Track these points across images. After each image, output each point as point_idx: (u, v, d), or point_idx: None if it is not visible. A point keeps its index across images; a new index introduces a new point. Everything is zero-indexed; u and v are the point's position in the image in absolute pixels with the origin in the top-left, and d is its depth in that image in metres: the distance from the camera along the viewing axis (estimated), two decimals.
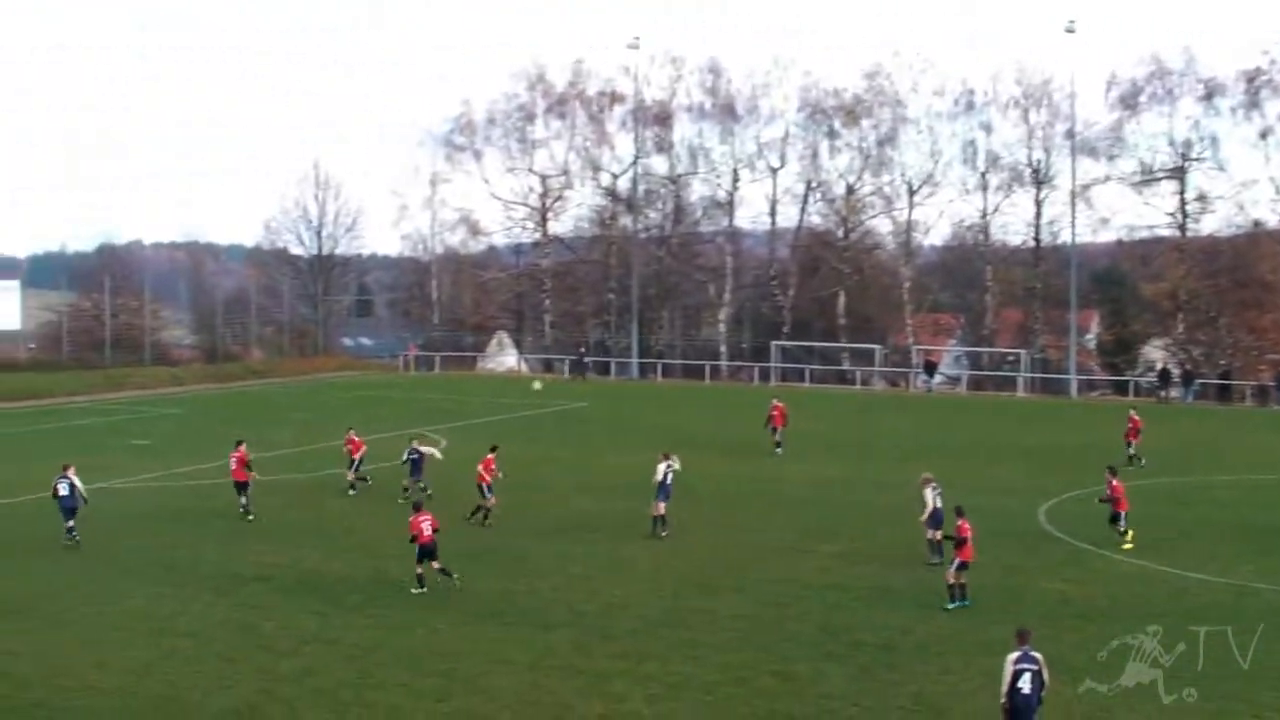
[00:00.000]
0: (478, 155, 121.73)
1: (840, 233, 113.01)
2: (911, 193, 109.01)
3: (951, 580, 31.53)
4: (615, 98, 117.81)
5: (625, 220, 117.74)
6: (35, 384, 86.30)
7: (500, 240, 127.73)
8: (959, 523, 31.86)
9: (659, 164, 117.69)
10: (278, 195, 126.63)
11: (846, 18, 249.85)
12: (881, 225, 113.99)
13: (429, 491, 44.38)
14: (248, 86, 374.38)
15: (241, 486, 43.34)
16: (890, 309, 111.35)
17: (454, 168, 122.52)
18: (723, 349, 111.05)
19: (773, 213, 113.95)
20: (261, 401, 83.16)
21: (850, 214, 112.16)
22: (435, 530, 33.01)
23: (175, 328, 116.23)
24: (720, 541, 39.81)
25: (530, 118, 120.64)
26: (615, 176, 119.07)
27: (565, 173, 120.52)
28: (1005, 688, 21.46)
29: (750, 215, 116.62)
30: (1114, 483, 39.43)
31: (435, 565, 32.77)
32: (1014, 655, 21.59)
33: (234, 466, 43.67)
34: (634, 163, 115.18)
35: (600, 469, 54.30)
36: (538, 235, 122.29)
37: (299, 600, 32.29)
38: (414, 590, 32.69)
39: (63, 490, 38.88)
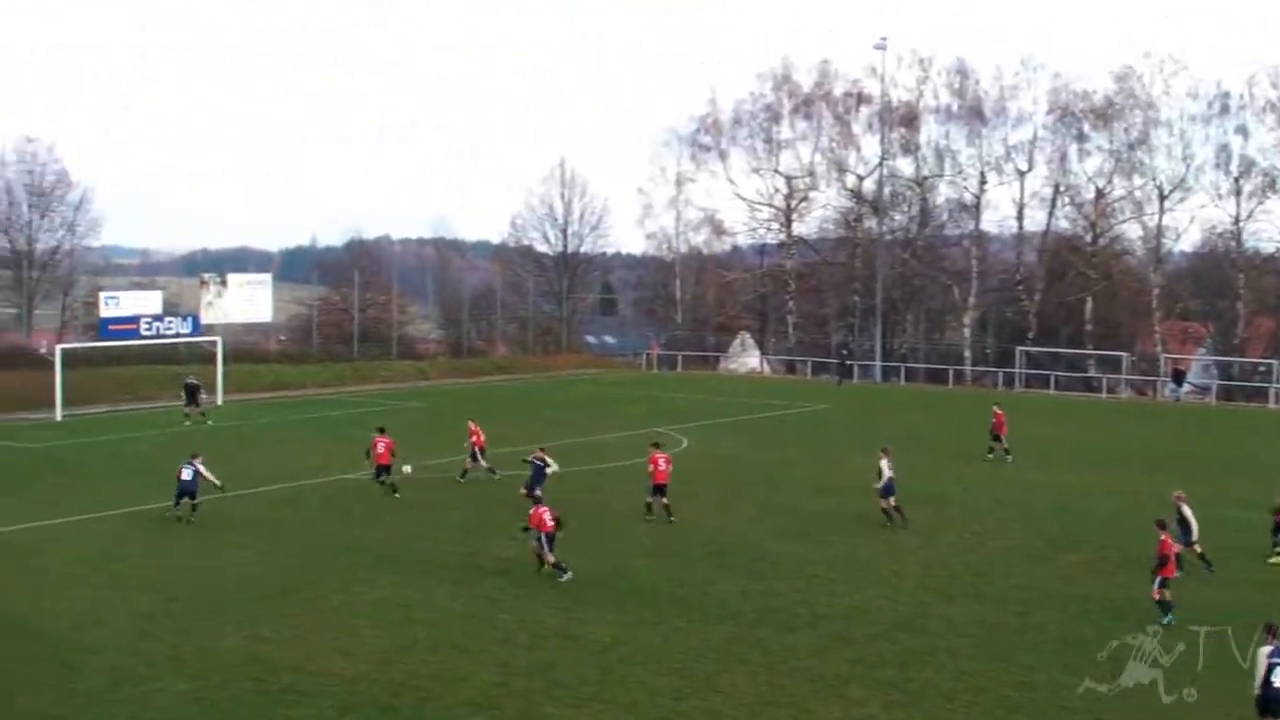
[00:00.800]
0: (723, 155, 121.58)
1: (1088, 238, 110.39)
2: (1162, 198, 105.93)
3: (1156, 597, 30.62)
4: (862, 99, 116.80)
5: (870, 222, 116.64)
6: (286, 376, 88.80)
7: (744, 240, 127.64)
8: (1161, 537, 31.06)
9: (905, 166, 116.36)
10: (524, 193, 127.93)
11: (1095, 18, 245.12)
12: (1131, 230, 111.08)
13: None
14: (496, 86, 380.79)
15: (384, 469, 46.74)
16: (1138, 316, 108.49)
17: (699, 168, 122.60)
18: (966, 354, 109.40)
19: (1020, 216, 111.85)
20: (505, 396, 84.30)
21: (1099, 219, 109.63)
22: (556, 521, 34.68)
23: (422, 322, 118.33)
24: (960, 546, 39.34)
25: (776, 118, 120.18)
26: (861, 178, 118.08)
27: (810, 174, 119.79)
28: (1258, 680, 21.50)
29: (997, 219, 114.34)
30: None
31: (549, 559, 34.37)
32: (1266, 649, 21.52)
33: (381, 450, 46.95)
34: (880, 164, 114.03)
35: (840, 470, 53.77)
36: (782, 236, 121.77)
37: (539, 595, 32.63)
38: (562, 578, 33.92)
39: (185, 475, 41.56)
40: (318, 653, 27.54)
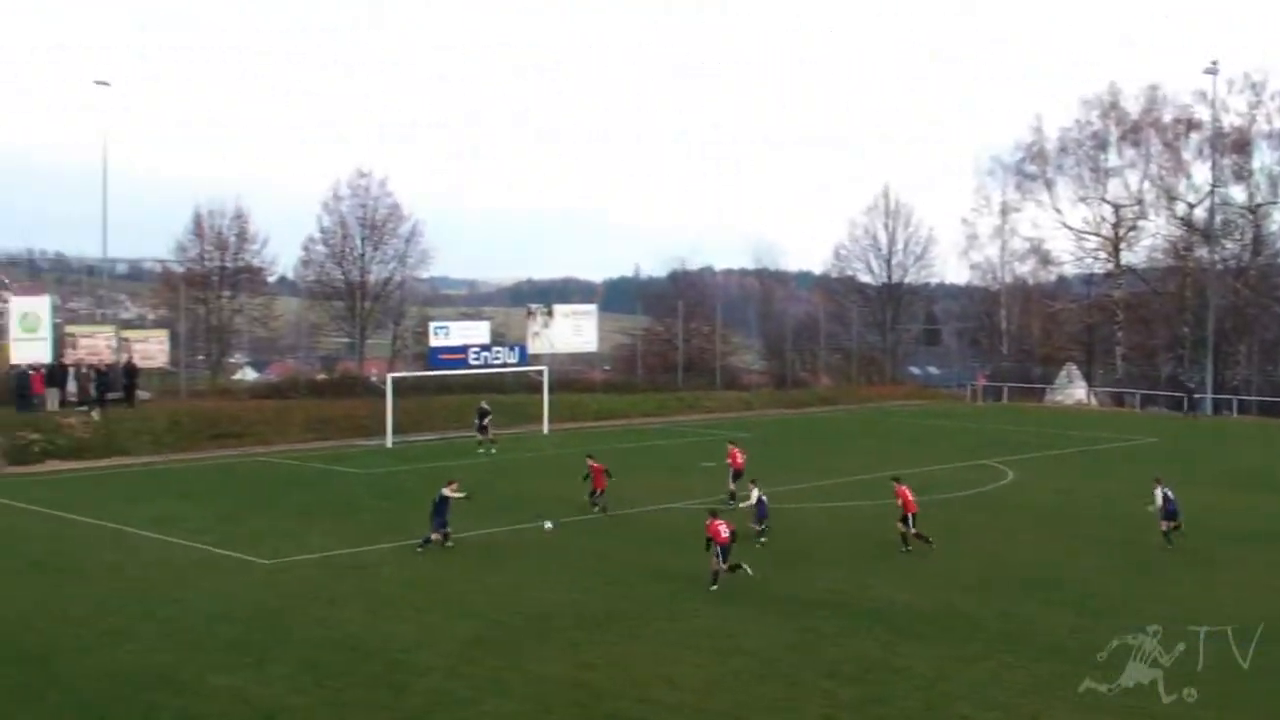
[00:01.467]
0: (1049, 184, 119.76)
1: None
2: None
3: None
4: (1191, 125, 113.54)
5: (1201, 251, 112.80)
6: (612, 405, 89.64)
7: (1071, 270, 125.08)
8: None
9: (1237, 193, 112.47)
10: (848, 223, 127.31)
11: None
12: None
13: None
14: (814, 111, 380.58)
15: (597, 493, 49.12)
16: None
17: (1024, 197, 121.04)
18: None
19: None
20: (829, 427, 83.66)
21: None
22: (732, 534, 36.35)
23: (745, 353, 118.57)
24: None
25: (1103, 146, 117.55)
26: (1191, 206, 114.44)
27: (1139, 202, 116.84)
28: None
29: None
30: None
31: (724, 566, 35.78)
32: None
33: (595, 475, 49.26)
34: (1211, 192, 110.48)
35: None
36: (1110, 265, 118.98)
37: (865, 627, 32.00)
38: (711, 588, 35.20)
39: (445, 493, 42.47)
40: (642, 679, 27.33)
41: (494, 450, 68.20)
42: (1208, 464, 66.80)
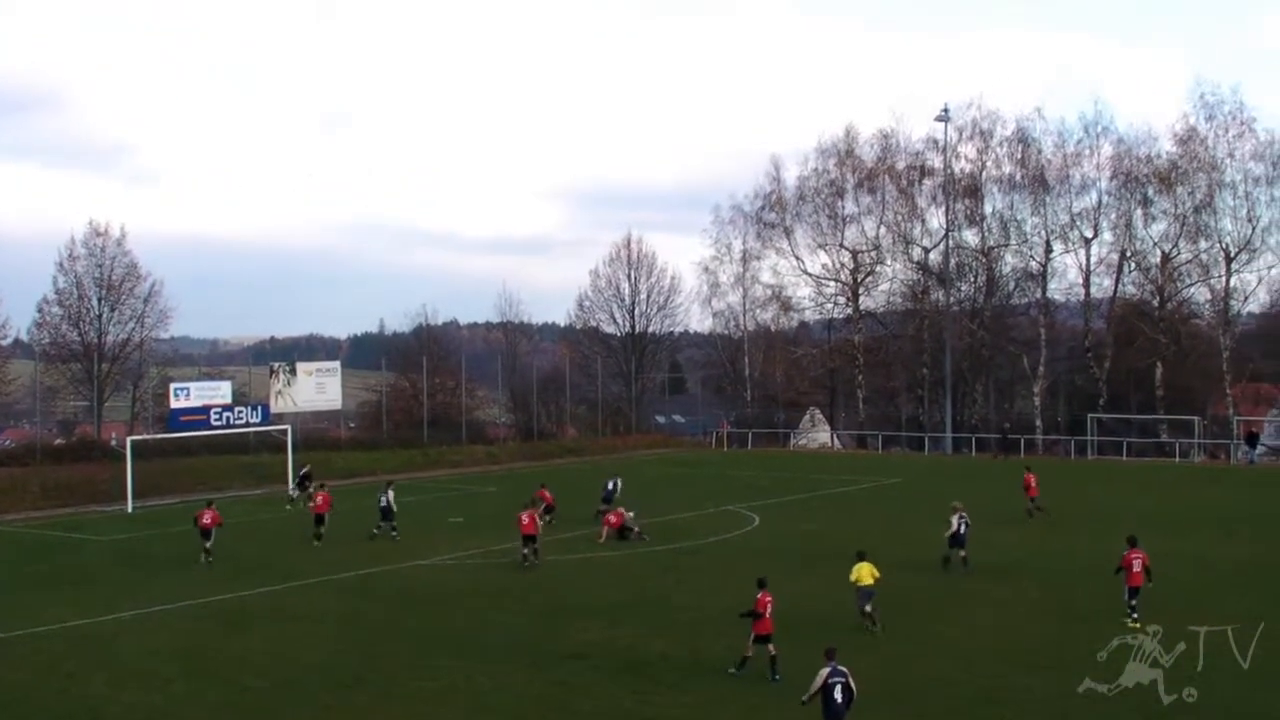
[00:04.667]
0: (789, 231, 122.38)
1: (1156, 302, 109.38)
2: (1229, 260, 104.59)
3: None
4: (925, 171, 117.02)
5: (937, 294, 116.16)
6: (357, 462, 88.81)
7: (812, 316, 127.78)
8: None
9: (970, 237, 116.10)
10: (590, 274, 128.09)
11: (1155, 85, 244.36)
12: (1199, 294, 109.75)
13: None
14: (552, 160, 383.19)
15: (529, 539, 49.11)
16: (1209, 379, 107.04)
17: (765, 244, 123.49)
18: (1038, 423, 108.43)
19: (1086, 283, 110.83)
20: (575, 478, 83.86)
21: (1166, 283, 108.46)
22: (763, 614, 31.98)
23: (491, 406, 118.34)
24: (1036, 613, 38.50)
25: (840, 193, 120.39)
26: (926, 250, 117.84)
27: (876, 247, 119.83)
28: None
29: (1064, 287, 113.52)
30: None
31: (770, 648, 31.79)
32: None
33: (526, 521, 49.37)
34: (945, 236, 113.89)
35: (912, 540, 52.87)
36: (849, 310, 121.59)
37: (617, 678, 32.15)
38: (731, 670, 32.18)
39: (382, 502, 55.73)
40: None
41: (288, 507, 69.19)
42: (952, 498, 68.54)
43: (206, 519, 51.79)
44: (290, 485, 71.91)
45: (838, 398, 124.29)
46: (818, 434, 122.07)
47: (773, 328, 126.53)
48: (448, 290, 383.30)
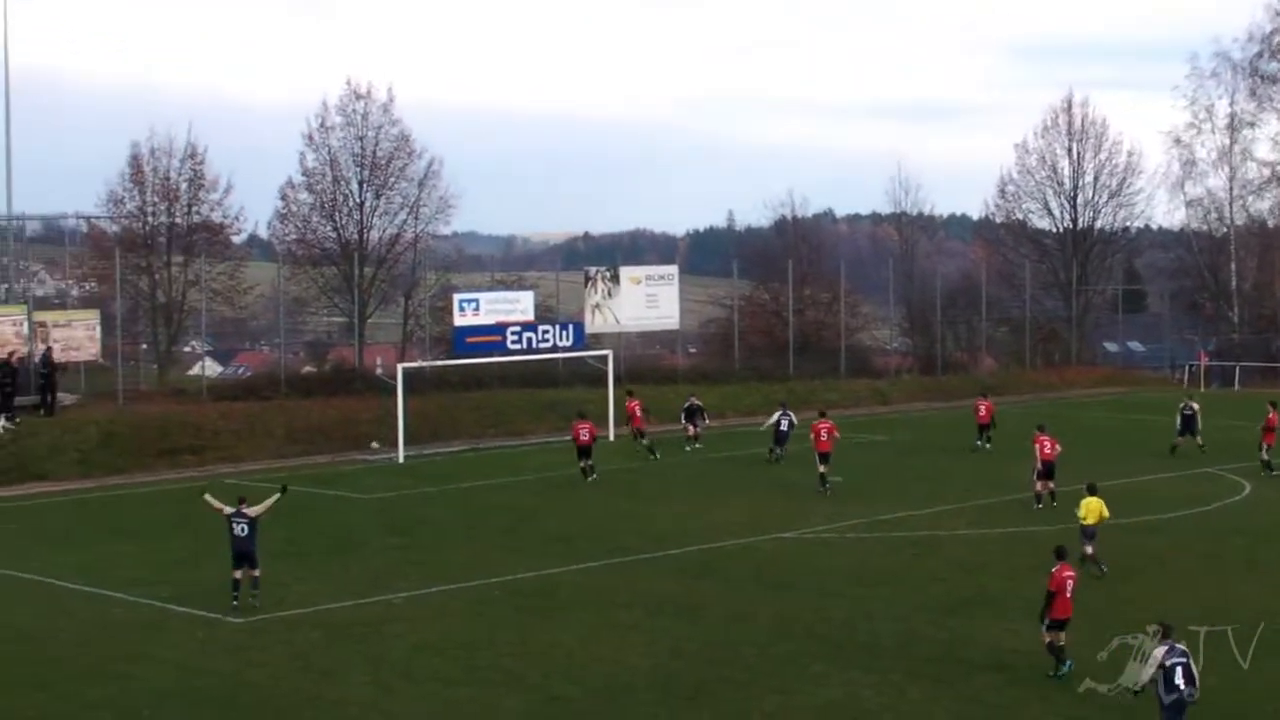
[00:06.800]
0: None
1: None
2: None
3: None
4: None
5: None
6: (701, 401, 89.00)
7: None
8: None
9: None
10: (1015, 149, 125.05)
11: None
12: None
13: None
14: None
15: (637, 433, 58.03)
16: None
17: (1262, 106, 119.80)
18: None
19: None
20: (995, 426, 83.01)
21: None
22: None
23: (880, 327, 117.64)
24: None
25: None
26: None
27: None
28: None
29: None
30: None
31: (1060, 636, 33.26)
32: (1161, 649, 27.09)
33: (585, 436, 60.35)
34: None
35: None
36: None
37: (1044, 696, 31.96)
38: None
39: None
40: None
41: (655, 456, 70.08)
42: None
43: (584, 433, 54.26)
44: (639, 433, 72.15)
45: None
46: None
47: (1272, 222, 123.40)
48: (821, 172, 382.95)
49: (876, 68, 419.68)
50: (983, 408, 73.96)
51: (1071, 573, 33.60)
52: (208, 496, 42.79)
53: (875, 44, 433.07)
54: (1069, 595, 33.03)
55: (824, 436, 58.20)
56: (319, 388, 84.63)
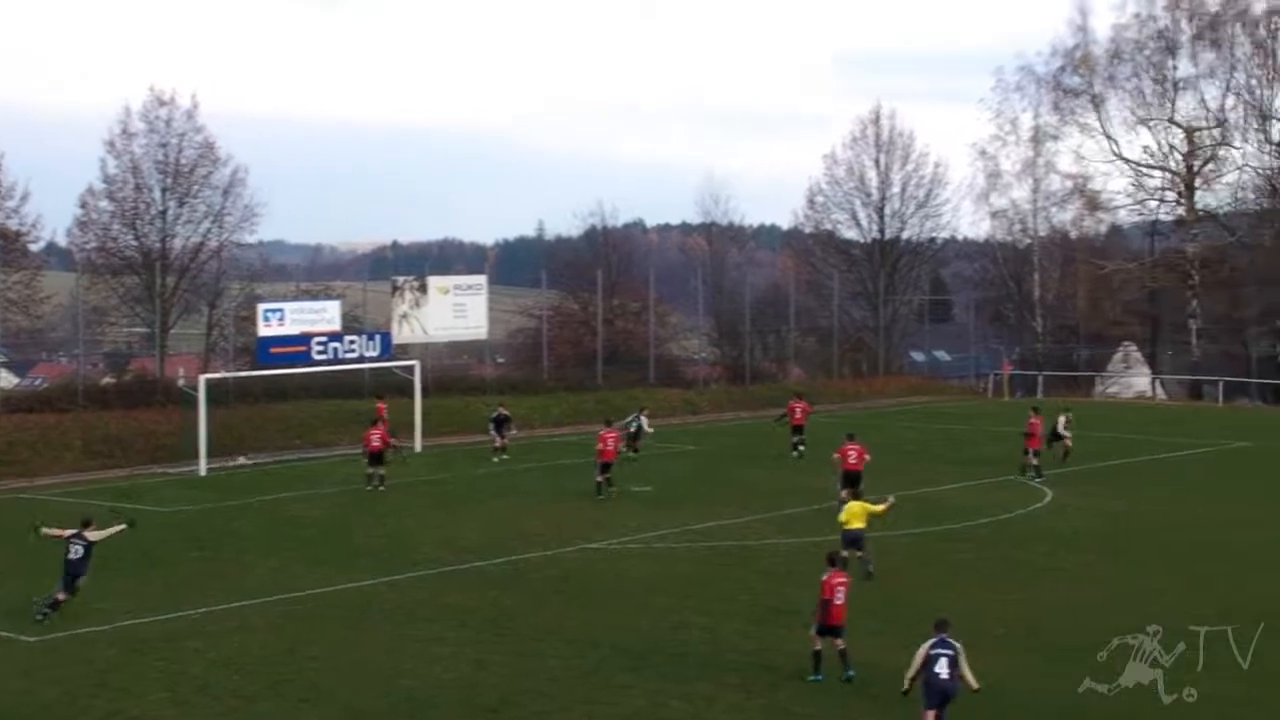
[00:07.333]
0: (1098, 102, 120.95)
1: None
2: None
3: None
4: None
5: None
6: (509, 410, 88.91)
7: (1128, 218, 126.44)
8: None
9: None
10: (825, 160, 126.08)
11: None
12: None
13: None
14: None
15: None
16: None
17: (1064, 119, 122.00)
18: None
19: None
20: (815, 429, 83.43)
21: None
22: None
23: (689, 336, 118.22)
24: None
25: (1172, 49, 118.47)
26: None
27: (1221, 123, 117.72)
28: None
29: None
30: None
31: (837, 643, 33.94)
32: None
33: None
34: None
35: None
36: (1181, 210, 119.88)
37: (852, 707, 32.14)
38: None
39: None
40: None
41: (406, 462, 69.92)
42: None
43: (375, 439, 54.22)
44: (413, 441, 72.25)
45: (1162, 330, 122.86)
46: (1133, 378, 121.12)
47: (1074, 233, 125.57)
48: (631, 183, 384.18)
49: (692, 76, 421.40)
50: (798, 409, 75.17)
51: (843, 579, 34.38)
52: (44, 530, 42.16)
53: (693, 51, 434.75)
54: (840, 602, 33.54)
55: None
56: (118, 399, 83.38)
